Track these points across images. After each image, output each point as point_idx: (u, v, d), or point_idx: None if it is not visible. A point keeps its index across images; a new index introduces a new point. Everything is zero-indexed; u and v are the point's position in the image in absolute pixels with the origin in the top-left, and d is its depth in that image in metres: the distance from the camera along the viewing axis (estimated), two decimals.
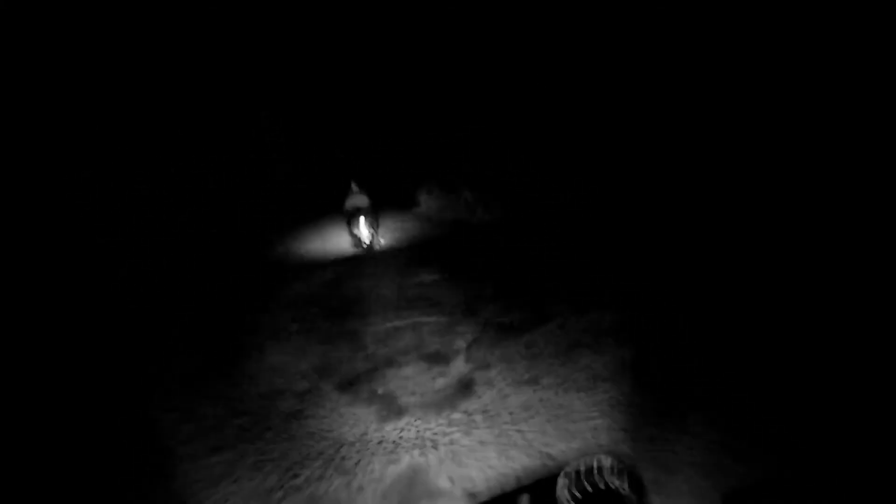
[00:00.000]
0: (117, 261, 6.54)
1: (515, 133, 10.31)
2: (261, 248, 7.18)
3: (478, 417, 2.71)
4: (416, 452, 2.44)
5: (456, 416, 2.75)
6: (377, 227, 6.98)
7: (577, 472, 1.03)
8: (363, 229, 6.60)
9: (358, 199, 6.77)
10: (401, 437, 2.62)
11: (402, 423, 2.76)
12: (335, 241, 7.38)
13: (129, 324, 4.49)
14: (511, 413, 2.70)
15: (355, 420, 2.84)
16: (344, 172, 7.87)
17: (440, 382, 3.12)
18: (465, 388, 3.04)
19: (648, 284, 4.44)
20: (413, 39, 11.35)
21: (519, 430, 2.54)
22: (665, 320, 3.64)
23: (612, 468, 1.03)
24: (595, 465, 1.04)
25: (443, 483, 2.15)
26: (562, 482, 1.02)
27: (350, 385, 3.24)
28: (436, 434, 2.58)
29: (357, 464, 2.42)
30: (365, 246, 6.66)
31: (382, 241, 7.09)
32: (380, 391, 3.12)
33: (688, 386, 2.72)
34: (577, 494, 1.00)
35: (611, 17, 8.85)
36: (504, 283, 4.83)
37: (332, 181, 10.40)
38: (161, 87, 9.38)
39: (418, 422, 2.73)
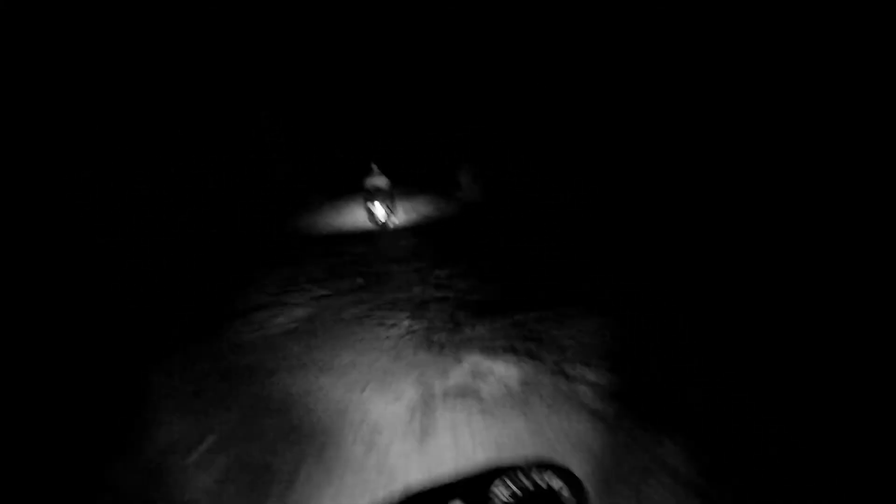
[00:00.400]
0: (117, 261, 6.53)
1: (516, 133, 10.30)
2: (251, 249, 7.12)
3: None
4: None
5: None
6: (394, 207, 7.20)
7: (514, 472, 0.98)
8: (379, 208, 6.79)
9: (377, 180, 6.99)
10: None
11: None
12: (339, 233, 7.34)
13: (128, 324, 4.48)
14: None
15: None
16: (343, 171, 8.01)
17: None
18: None
19: (648, 284, 4.41)
20: (413, 40, 11.34)
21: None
22: (665, 320, 3.62)
23: (550, 470, 0.99)
24: (533, 466, 1.00)
25: None
26: (498, 483, 0.98)
27: None
28: None
29: None
30: (380, 224, 6.87)
31: (396, 221, 7.33)
32: None
33: (687, 386, 2.69)
34: (515, 493, 0.95)
35: (610, 17, 8.82)
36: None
37: (331, 181, 10.40)
38: (161, 87, 9.38)
39: None
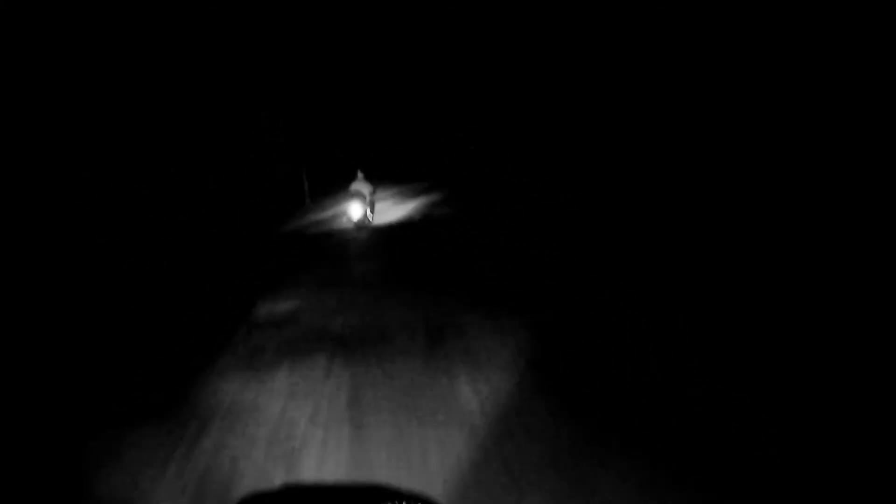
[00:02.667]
0: (117, 261, 6.53)
1: (515, 133, 10.29)
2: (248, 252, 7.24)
3: None
4: None
5: None
6: (372, 209, 7.97)
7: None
8: (357, 209, 7.43)
9: (361, 185, 7.68)
10: None
11: None
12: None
13: (127, 325, 4.48)
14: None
15: None
16: (343, 170, 8.31)
17: None
18: None
19: (648, 284, 4.41)
20: (413, 40, 11.34)
21: None
22: (665, 320, 3.61)
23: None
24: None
25: None
26: None
27: None
28: None
29: None
30: (356, 222, 7.51)
31: (372, 222, 8.01)
32: None
33: (687, 386, 2.69)
34: None
35: (610, 17, 8.81)
36: None
37: (331, 180, 10.39)
38: (161, 87, 9.38)
39: None
